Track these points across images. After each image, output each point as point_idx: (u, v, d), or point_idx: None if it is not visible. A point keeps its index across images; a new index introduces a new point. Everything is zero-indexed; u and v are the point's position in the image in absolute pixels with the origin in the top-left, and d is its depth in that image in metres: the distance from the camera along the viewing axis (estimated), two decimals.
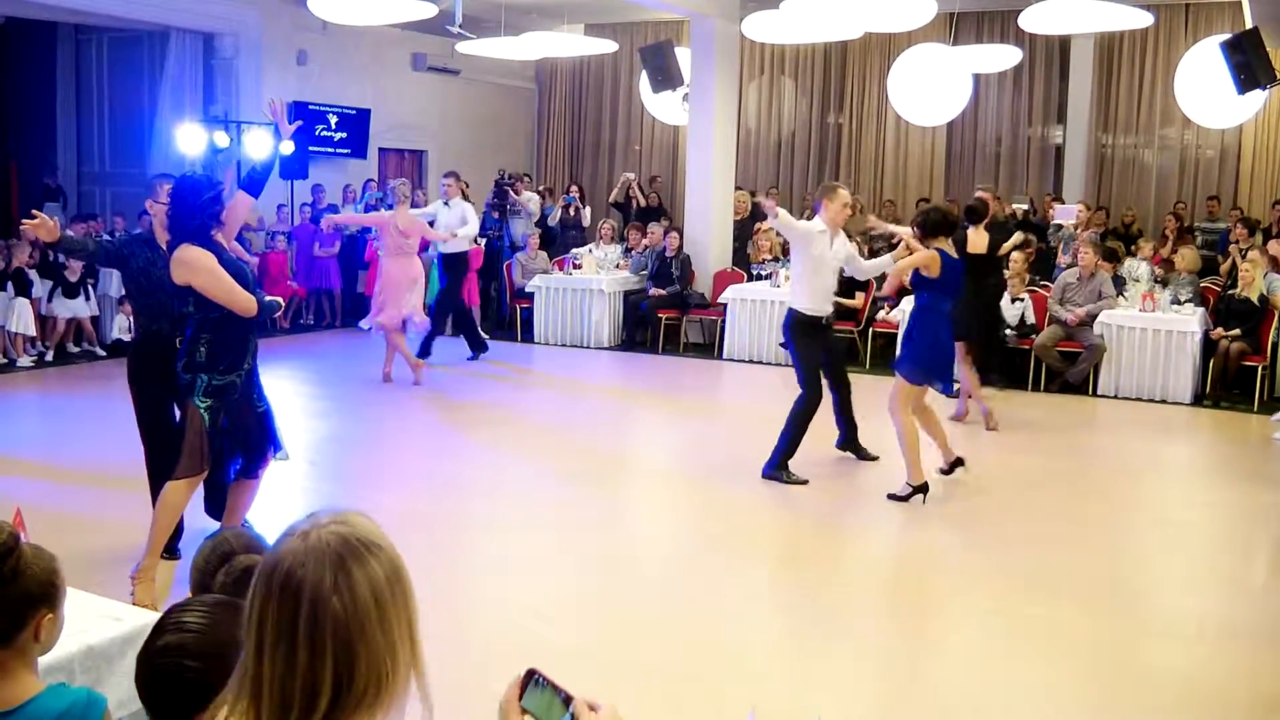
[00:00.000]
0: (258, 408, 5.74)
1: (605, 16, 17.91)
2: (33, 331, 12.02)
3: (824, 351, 8.28)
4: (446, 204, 12.41)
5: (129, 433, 6.18)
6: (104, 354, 12.64)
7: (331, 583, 1.51)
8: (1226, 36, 11.51)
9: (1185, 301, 11.80)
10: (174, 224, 5.43)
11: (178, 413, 5.78)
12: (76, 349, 12.65)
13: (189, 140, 14.06)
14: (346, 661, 1.51)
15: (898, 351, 8.68)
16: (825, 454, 8.56)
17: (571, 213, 16.55)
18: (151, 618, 3.39)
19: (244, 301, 5.44)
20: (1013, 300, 12.15)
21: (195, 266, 5.34)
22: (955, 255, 7.92)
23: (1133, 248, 13.78)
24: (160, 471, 5.82)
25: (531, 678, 1.75)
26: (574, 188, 17.05)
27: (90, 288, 12.77)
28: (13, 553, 2.34)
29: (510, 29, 14.36)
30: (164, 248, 5.84)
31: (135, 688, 2.20)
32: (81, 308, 12.59)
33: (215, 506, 6.20)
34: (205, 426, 5.45)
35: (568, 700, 1.75)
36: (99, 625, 3.22)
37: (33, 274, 12.16)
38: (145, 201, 6.26)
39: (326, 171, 16.17)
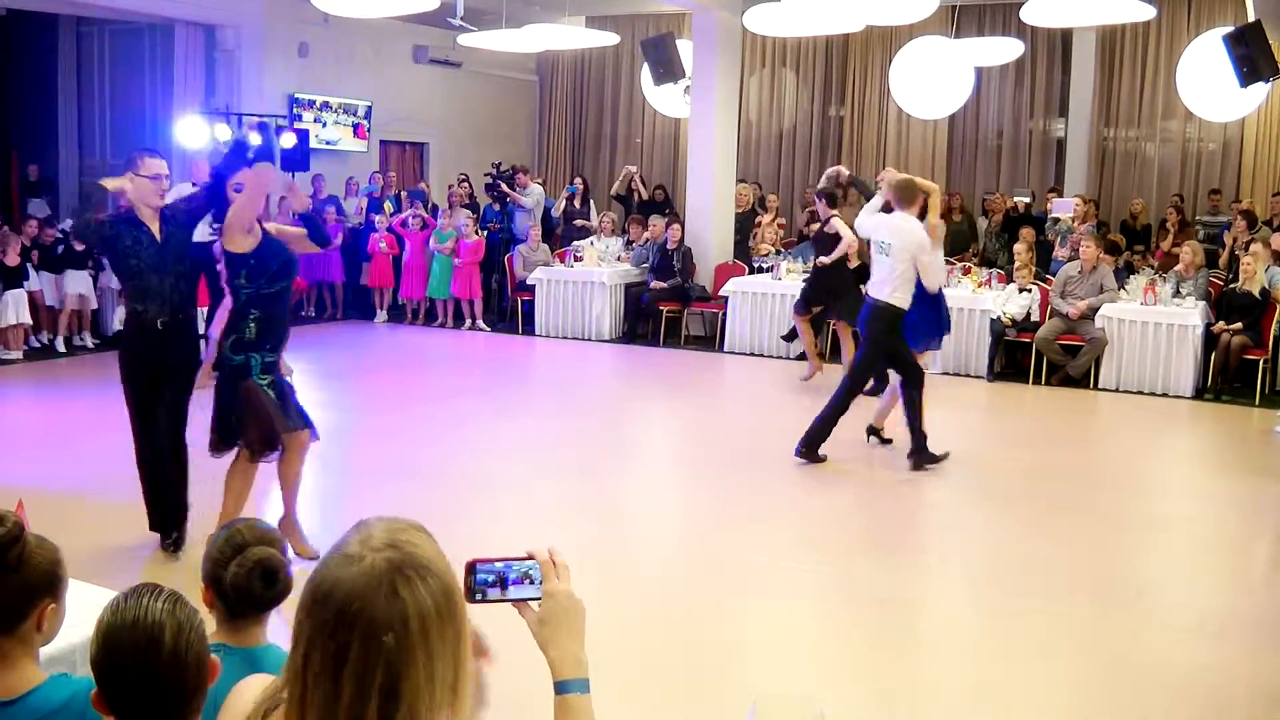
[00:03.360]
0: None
1: (607, 9, 17.89)
2: (28, 319, 12.03)
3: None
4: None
5: (128, 424, 6.18)
6: (92, 346, 12.61)
7: (385, 618, 1.44)
8: (1229, 29, 11.47)
9: (1187, 295, 11.79)
10: (217, 196, 5.88)
11: (169, 395, 5.90)
12: (82, 341, 12.68)
13: (190, 132, 14.06)
14: (390, 697, 1.44)
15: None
16: (835, 445, 8.55)
17: (577, 204, 16.55)
18: None
19: (296, 235, 6.10)
20: (1020, 290, 12.17)
21: (238, 209, 5.70)
22: None
23: (1146, 256, 13.82)
24: (146, 457, 5.88)
25: (472, 571, 1.76)
26: (578, 180, 17.04)
27: (94, 275, 12.81)
28: (17, 542, 2.35)
29: (512, 21, 14.34)
30: (148, 225, 5.85)
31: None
32: (84, 283, 12.58)
33: (159, 517, 6.09)
34: (273, 400, 5.71)
35: (525, 574, 1.79)
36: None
37: (28, 267, 12.18)
38: (125, 175, 6.06)
39: (328, 164, 16.16)
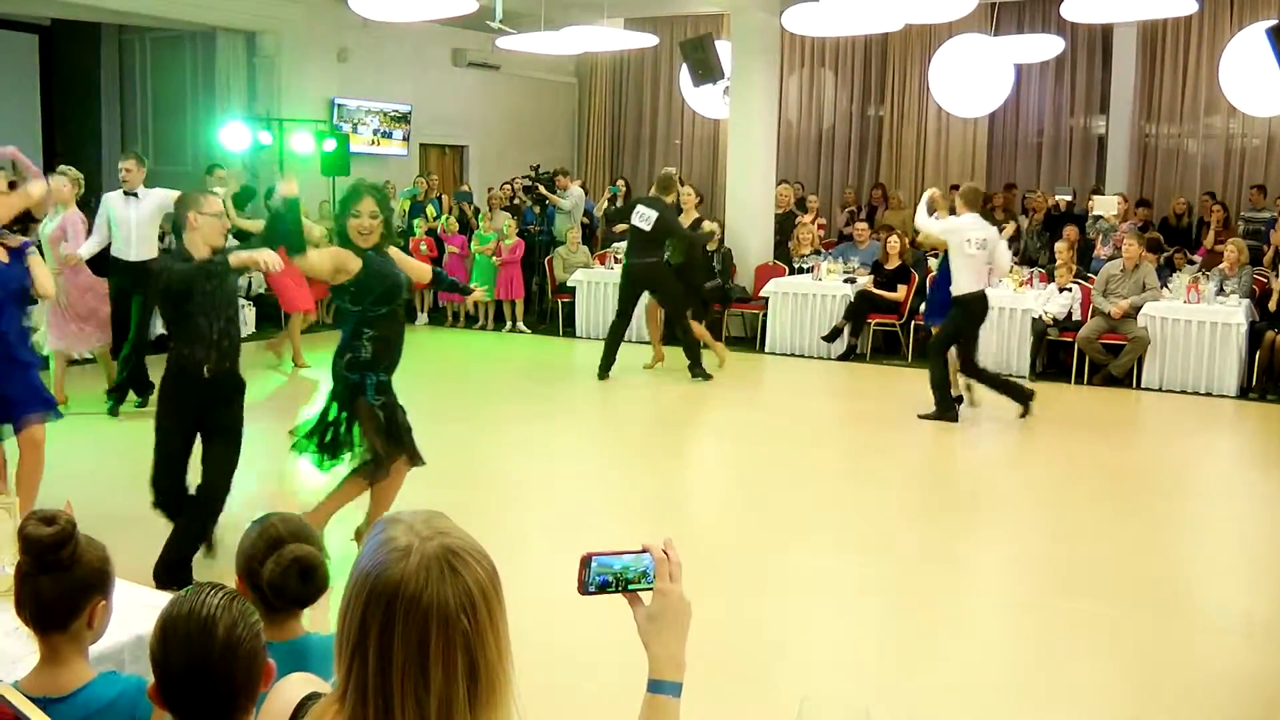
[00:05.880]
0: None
1: (645, 10, 17.90)
2: None
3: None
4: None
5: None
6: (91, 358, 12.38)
7: (457, 603, 1.48)
8: (1272, 22, 11.35)
9: (1231, 293, 11.67)
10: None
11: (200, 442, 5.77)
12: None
13: (232, 138, 14.21)
14: (474, 678, 1.49)
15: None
16: (868, 437, 8.53)
17: (618, 204, 16.58)
18: None
19: (419, 269, 5.97)
20: (1060, 290, 12.11)
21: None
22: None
23: (1188, 254, 13.69)
24: (166, 489, 5.81)
25: (587, 565, 1.78)
26: (621, 181, 17.07)
27: None
28: (70, 539, 2.40)
29: (550, 24, 14.37)
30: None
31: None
32: None
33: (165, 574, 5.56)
34: (381, 423, 5.61)
35: (643, 573, 1.81)
36: (147, 615, 3.26)
37: None
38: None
39: (368, 168, 16.26)
